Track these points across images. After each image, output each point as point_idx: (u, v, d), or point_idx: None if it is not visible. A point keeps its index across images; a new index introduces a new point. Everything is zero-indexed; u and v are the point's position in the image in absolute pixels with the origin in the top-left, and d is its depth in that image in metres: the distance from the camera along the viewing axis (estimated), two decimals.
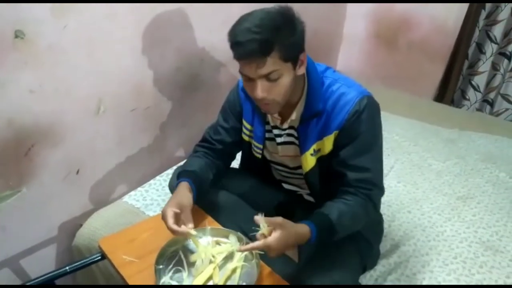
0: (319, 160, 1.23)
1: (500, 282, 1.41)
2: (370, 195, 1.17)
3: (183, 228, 1.11)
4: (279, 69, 1.05)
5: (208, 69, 2.05)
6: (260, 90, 1.07)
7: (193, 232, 1.11)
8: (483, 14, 2.55)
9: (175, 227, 1.09)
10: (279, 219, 1.04)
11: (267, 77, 1.06)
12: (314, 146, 1.21)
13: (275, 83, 1.07)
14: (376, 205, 1.21)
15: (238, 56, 1.06)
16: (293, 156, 1.30)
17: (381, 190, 1.22)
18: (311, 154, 1.22)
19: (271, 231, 1.03)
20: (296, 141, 1.26)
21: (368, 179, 1.17)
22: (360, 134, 1.15)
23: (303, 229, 1.07)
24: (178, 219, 1.12)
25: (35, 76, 1.36)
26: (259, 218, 1.03)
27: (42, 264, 1.61)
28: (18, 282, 1.55)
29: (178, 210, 1.13)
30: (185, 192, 1.20)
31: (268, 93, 1.08)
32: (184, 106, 2.00)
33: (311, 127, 1.20)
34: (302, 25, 1.09)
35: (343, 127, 1.15)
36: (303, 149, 1.23)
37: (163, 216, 1.12)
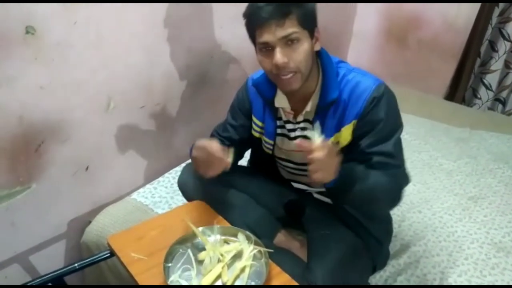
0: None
1: None
2: (396, 174, 1.13)
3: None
4: (298, 32, 1.06)
5: (218, 66, 2.04)
6: (281, 55, 1.06)
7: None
8: (496, 11, 2.51)
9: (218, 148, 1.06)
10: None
11: (286, 39, 1.05)
12: (332, 139, 1.19)
13: (295, 48, 1.07)
14: (401, 185, 1.15)
15: (257, 21, 1.06)
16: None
17: (407, 175, 1.18)
18: None
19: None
20: None
21: (394, 163, 1.14)
22: (380, 121, 1.13)
23: None
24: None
25: (45, 72, 1.37)
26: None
27: (51, 261, 1.62)
28: (27, 278, 1.56)
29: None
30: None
31: (289, 58, 1.07)
32: (193, 103, 1.99)
33: (328, 118, 1.18)
34: (314, 4, 1.11)
35: (362, 115, 1.13)
36: None
37: (201, 146, 1.07)
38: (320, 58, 1.19)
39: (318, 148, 0.96)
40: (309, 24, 1.09)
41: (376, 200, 1.14)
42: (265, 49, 1.09)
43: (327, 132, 1.19)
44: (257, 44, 1.11)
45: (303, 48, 1.08)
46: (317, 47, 1.14)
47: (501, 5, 2.49)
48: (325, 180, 1.02)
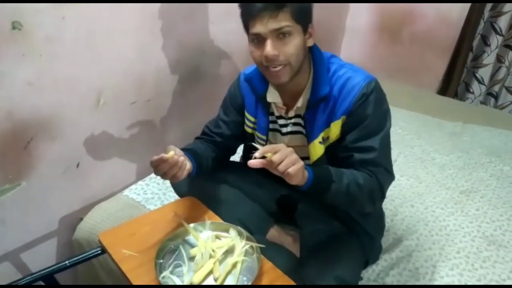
0: (328, 149, 1.21)
1: (504, 277, 1.40)
2: (375, 172, 1.13)
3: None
4: (291, 25, 1.05)
5: (209, 62, 2.03)
6: (271, 47, 1.05)
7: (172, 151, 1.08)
8: (488, 5, 2.52)
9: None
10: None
11: (278, 32, 1.05)
12: (322, 134, 1.19)
13: (286, 42, 1.06)
14: (382, 185, 1.15)
15: (251, 11, 1.06)
16: (300, 146, 1.28)
17: (388, 173, 1.17)
18: (320, 142, 1.20)
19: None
20: (303, 130, 1.24)
21: (374, 160, 1.13)
22: (367, 117, 1.13)
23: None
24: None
25: (33, 68, 1.35)
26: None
27: (42, 258, 1.60)
28: (18, 276, 1.54)
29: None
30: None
31: (279, 51, 1.06)
32: (185, 99, 1.98)
33: (318, 114, 1.18)
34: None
35: (350, 111, 1.13)
36: (310, 137, 1.21)
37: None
38: (312, 53, 1.19)
39: (272, 152, 0.95)
40: (303, 19, 1.08)
41: (355, 200, 1.13)
42: (257, 40, 1.08)
43: (317, 127, 1.19)
44: (249, 34, 1.10)
45: (295, 42, 1.08)
46: (310, 43, 1.14)
47: None
48: (300, 176, 1.00)
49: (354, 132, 1.14)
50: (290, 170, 0.96)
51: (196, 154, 1.25)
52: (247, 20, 1.08)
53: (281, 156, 0.95)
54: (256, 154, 0.95)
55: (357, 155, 1.14)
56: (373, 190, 1.13)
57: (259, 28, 1.06)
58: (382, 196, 1.18)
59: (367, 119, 1.13)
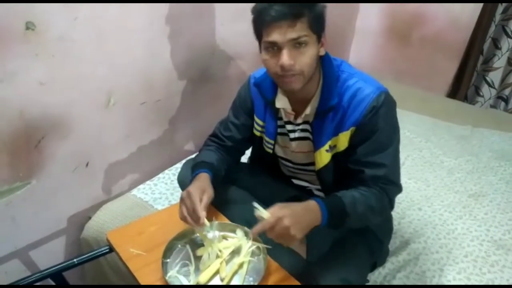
0: (334, 157, 1.21)
1: None
2: (386, 189, 1.14)
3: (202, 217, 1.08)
4: (308, 35, 1.05)
5: (219, 63, 2.04)
6: (288, 56, 1.04)
7: (207, 223, 1.09)
8: (500, 8, 2.50)
9: (201, 211, 1.08)
10: (278, 204, 1.01)
11: (295, 42, 1.04)
12: (330, 142, 1.19)
13: (302, 52, 1.06)
14: (391, 200, 1.17)
15: (267, 20, 1.04)
16: (307, 152, 1.29)
17: (397, 187, 1.19)
18: (327, 150, 1.20)
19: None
20: (311, 136, 1.24)
21: (385, 176, 1.14)
22: (377, 131, 1.12)
23: (311, 204, 1.05)
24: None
25: (45, 68, 1.36)
26: (259, 210, 1.00)
27: (51, 256, 1.62)
28: (27, 273, 1.56)
29: (201, 197, 1.12)
30: (208, 183, 1.19)
31: (295, 61, 1.06)
32: (194, 100, 1.99)
33: (326, 122, 1.18)
34: (324, 7, 1.10)
35: (360, 123, 1.13)
36: (317, 144, 1.21)
37: (190, 196, 1.10)
38: (322, 61, 1.18)
39: (262, 227, 0.97)
40: (318, 28, 1.08)
41: (368, 221, 1.16)
42: (271, 49, 1.07)
43: (325, 135, 1.19)
44: (263, 42, 1.09)
45: (310, 52, 1.07)
46: (322, 52, 1.13)
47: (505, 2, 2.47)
48: (299, 237, 0.99)
49: (365, 145, 1.14)
50: (287, 244, 0.99)
51: (214, 169, 1.26)
52: (261, 27, 1.07)
53: (273, 235, 0.98)
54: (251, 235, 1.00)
55: (368, 171, 1.14)
56: (384, 207, 1.15)
57: (276, 36, 1.04)
58: (391, 208, 1.19)
59: (377, 132, 1.12)
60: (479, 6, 2.52)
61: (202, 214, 1.08)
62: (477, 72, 2.71)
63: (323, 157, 1.21)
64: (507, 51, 2.57)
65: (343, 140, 1.17)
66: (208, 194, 1.15)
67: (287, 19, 1.02)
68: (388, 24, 2.96)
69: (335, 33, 2.87)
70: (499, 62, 2.62)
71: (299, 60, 1.06)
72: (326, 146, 1.20)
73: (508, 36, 2.54)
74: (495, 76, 2.66)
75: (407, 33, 2.89)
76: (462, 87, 2.75)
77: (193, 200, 1.09)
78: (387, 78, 2.84)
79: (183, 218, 1.11)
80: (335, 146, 1.19)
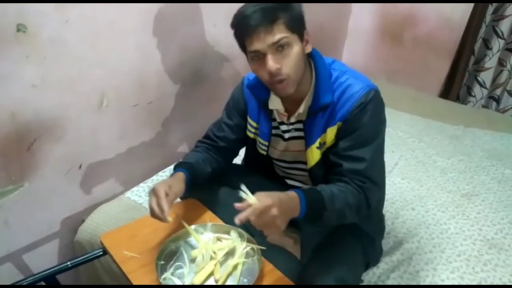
0: (324, 154, 1.21)
1: (505, 280, 1.40)
2: (363, 188, 1.13)
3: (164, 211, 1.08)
4: (288, 36, 1.06)
5: (211, 64, 2.04)
6: (272, 61, 1.06)
7: (169, 218, 1.09)
8: (490, 9, 2.52)
9: (164, 203, 1.08)
10: (262, 192, 0.99)
11: (277, 45, 1.05)
12: (319, 139, 1.20)
13: (286, 54, 1.07)
14: (369, 199, 1.14)
15: (245, 30, 1.06)
16: (299, 151, 1.29)
17: (376, 185, 1.17)
18: (317, 147, 1.21)
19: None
20: (303, 135, 1.25)
21: (363, 171, 1.13)
22: (361, 126, 1.13)
23: (292, 194, 1.04)
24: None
25: (37, 70, 1.36)
26: (246, 195, 0.98)
27: (44, 259, 1.61)
28: (20, 277, 1.55)
29: (167, 192, 1.12)
30: (179, 182, 1.20)
31: (280, 64, 1.07)
32: (187, 101, 1.99)
33: (317, 119, 1.19)
34: (300, 6, 1.11)
35: (346, 119, 1.14)
36: (308, 142, 1.22)
37: (155, 191, 1.11)
38: (313, 59, 1.19)
39: (250, 213, 0.95)
40: (298, 27, 1.09)
41: (344, 218, 1.14)
42: (257, 57, 1.09)
43: (315, 132, 1.20)
44: (248, 53, 1.11)
45: (294, 52, 1.08)
46: (308, 49, 1.14)
47: (495, 3, 2.50)
48: (282, 228, 0.99)
49: (347, 139, 1.15)
50: (266, 232, 1.01)
51: (192, 169, 1.27)
52: (243, 39, 1.09)
53: (259, 223, 0.96)
54: (236, 220, 0.96)
55: (347, 164, 1.14)
56: (361, 206, 1.14)
57: (256, 45, 1.06)
58: (368, 208, 1.17)
59: (361, 128, 1.13)
60: (469, 7, 2.54)
61: (166, 206, 1.08)
62: (469, 72, 2.74)
63: (314, 154, 1.22)
64: (497, 51, 2.59)
65: (330, 135, 1.18)
66: (175, 189, 1.15)
67: (263, 25, 1.04)
68: (380, 25, 2.98)
69: (328, 34, 2.88)
70: (490, 62, 2.64)
71: (285, 63, 1.07)
72: (317, 143, 1.20)
73: (498, 36, 2.56)
74: (486, 76, 2.68)
75: (399, 33, 2.91)
76: (454, 87, 2.77)
77: (158, 194, 1.10)
78: (379, 79, 2.86)
79: (150, 210, 1.11)
80: (324, 143, 1.20)
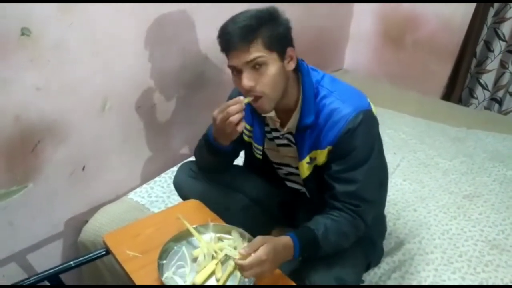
0: (315, 169, 1.22)
1: (506, 281, 1.40)
2: (358, 212, 1.13)
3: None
4: (263, 56, 1.06)
5: (213, 67, 2.05)
6: (247, 79, 1.07)
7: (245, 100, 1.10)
8: (492, 11, 2.52)
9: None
10: (257, 238, 1.03)
11: (252, 64, 1.06)
12: (310, 155, 1.20)
13: (261, 72, 1.07)
14: (365, 220, 1.15)
15: (225, 45, 1.08)
16: (293, 157, 1.29)
17: (371, 205, 1.17)
18: (308, 163, 1.21)
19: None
20: (295, 146, 1.25)
21: (356, 193, 1.13)
22: (353, 150, 1.12)
23: (286, 241, 1.07)
24: None
25: (41, 74, 1.38)
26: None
27: (48, 260, 1.62)
28: (24, 276, 1.55)
29: None
30: None
31: (255, 82, 1.07)
32: (189, 104, 2.00)
33: (305, 137, 1.19)
34: (286, 21, 1.11)
35: (336, 144, 1.13)
36: (300, 156, 1.22)
37: (215, 115, 1.15)
38: (301, 76, 1.18)
39: (242, 267, 0.99)
40: (278, 46, 1.08)
41: (341, 248, 1.15)
42: (236, 72, 1.10)
43: (305, 149, 1.20)
44: (228, 66, 1.12)
45: (270, 72, 1.08)
46: (290, 67, 1.13)
47: (496, 5, 2.50)
48: (270, 272, 1.04)
49: (339, 162, 1.14)
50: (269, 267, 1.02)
51: None
52: (225, 53, 1.11)
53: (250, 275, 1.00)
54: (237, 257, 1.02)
55: (339, 186, 1.14)
56: (357, 229, 1.15)
57: (233, 61, 1.08)
58: (366, 227, 1.18)
59: (353, 152, 1.12)
60: (471, 9, 2.55)
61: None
62: (471, 75, 2.74)
63: (305, 168, 1.22)
64: (499, 54, 2.59)
65: (321, 156, 1.17)
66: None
67: (240, 44, 1.05)
68: (382, 28, 2.98)
69: (330, 37, 2.89)
70: (492, 64, 2.63)
71: (260, 81, 1.08)
72: (307, 159, 1.21)
73: (500, 38, 2.56)
74: (488, 78, 2.68)
75: (401, 36, 2.91)
76: (456, 89, 2.76)
77: (222, 107, 1.12)
78: (381, 81, 2.87)
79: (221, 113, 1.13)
80: (315, 158, 1.20)
